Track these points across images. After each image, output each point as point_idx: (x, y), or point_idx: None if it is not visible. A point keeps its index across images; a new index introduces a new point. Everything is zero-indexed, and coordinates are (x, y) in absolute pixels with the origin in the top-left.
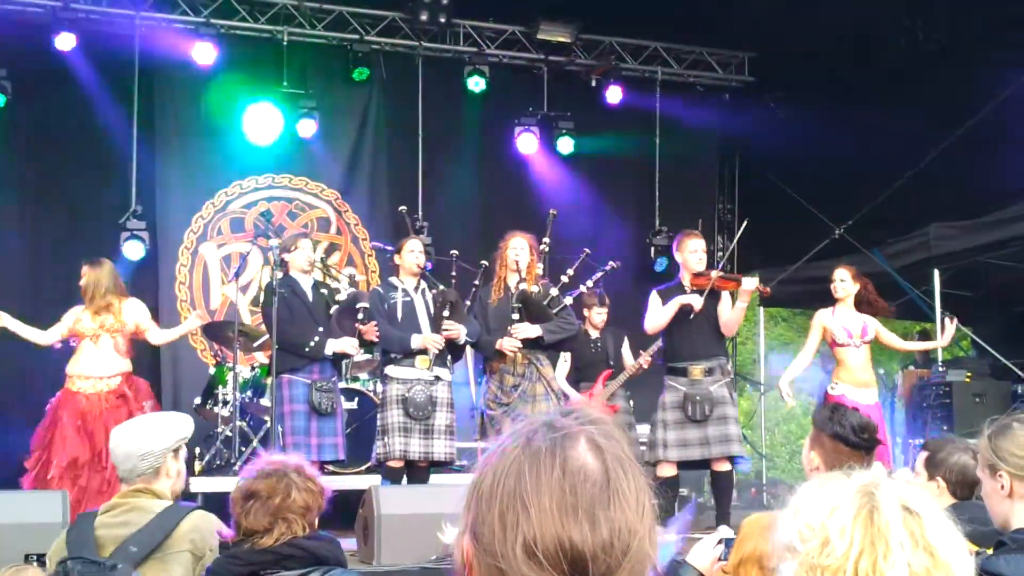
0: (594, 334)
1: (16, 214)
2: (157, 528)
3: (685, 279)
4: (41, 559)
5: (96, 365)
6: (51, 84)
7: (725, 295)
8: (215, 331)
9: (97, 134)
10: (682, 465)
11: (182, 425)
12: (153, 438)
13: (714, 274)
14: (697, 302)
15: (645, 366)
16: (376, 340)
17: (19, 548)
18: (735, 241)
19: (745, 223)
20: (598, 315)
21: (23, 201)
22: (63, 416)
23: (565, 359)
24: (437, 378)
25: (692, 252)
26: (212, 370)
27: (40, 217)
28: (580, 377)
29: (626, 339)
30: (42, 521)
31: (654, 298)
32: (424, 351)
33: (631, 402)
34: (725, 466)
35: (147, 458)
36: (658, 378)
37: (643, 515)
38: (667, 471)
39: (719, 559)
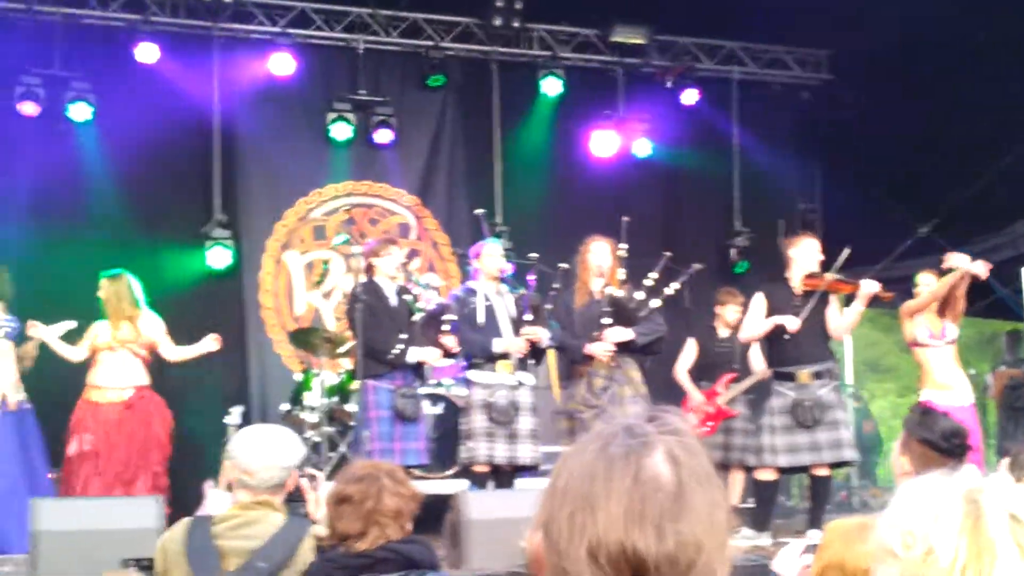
0: (724, 333)
1: (100, 225)
2: (283, 543)
3: (795, 278)
4: (140, 563)
5: (112, 376)
6: (133, 96)
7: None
8: (301, 338)
9: (179, 144)
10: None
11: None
12: (289, 451)
13: (829, 276)
14: (794, 325)
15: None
16: (456, 352)
17: (116, 553)
18: (835, 270)
19: (846, 253)
20: (732, 313)
21: (107, 212)
22: (83, 424)
23: (688, 356)
24: (520, 382)
25: (806, 252)
26: (299, 376)
27: (124, 228)
28: (702, 375)
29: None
30: (138, 527)
31: (758, 299)
32: (506, 355)
33: (751, 409)
34: (826, 471)
35: (286, 470)
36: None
37: (714, 531)
38: (767, 475)
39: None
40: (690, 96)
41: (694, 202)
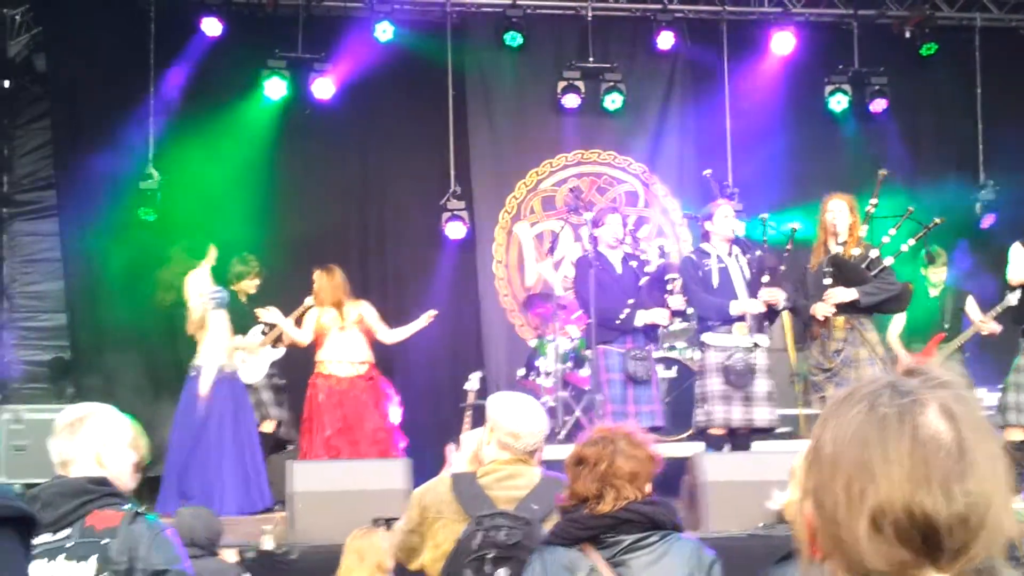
0: (933, 292)
1: (342, 200)
2: (546, 494)
3: None
4: (389, 522)
5: (345, 351)
6: (371, 74)
7: None
8: (533, 305)
9: (415, 119)
10: None
11: None
12: (545, 421)
13: None
14: None
15: (985, 331)
16: (682, 309)
17: (367, 513)
18: None
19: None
20: (936, 273)
21: (349, 187)
22: (318, 396)
23: (897, 320)
24: (756, 345)
25: None
26: (532, 343)
27: (366, 201)
28: (911, 338)
29: (970, 298)
30: (387, 487)
31: (1018, 249)
32: (742, 317)
33: (966, 367)
34: None
35: (543, 436)
36: (1007, 340)
37: (999, 485)
38: (1016, 435)
39: None
40: (929, 48)
41: (935, 156)
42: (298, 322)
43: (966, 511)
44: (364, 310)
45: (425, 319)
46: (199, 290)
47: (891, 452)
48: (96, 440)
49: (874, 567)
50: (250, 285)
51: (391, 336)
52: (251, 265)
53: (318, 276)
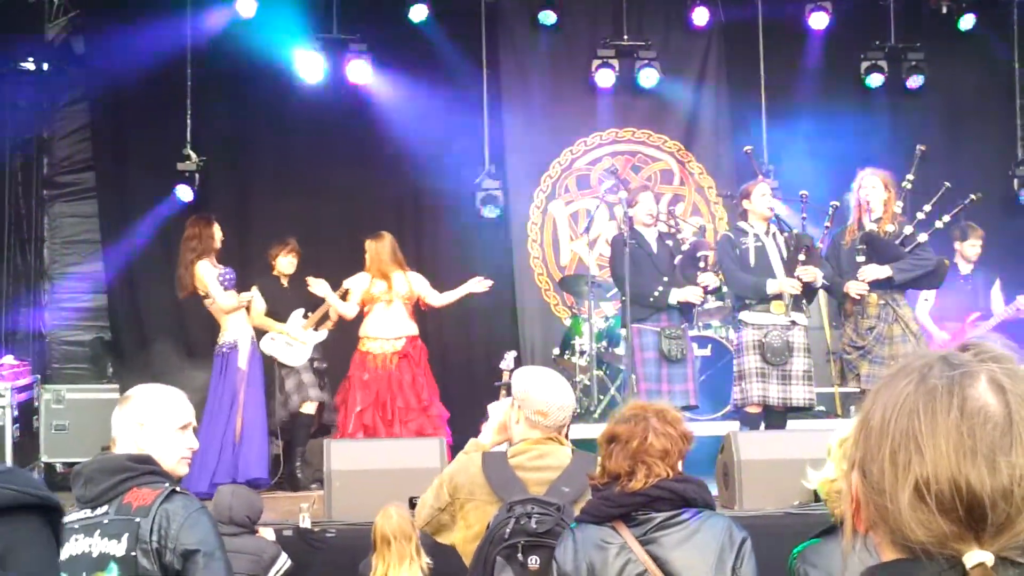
0: (965, 269)
1: (376, 180)
2: (578, 474)
3: None
4: (412, 502)
5: (386, 327)
6: (405, 53)
7: None
8: (568, 285)
9: (450, 100)
10: None
11: None
12: (572, 395)
13: None
14: None
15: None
16: (716, 288)
17: (403, 491)
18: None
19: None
20: (971, 248)
21: (384, 167)
22: (354, 371)
23: (926, 297)
24: (793, 323)
25: None
26: (568, 322)
27: (400, 181)
28: (943, 315)
29: (997, 281)
30: (422, 466)
31: None
32: (779, 296)
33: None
34: None
35: (572, 411)
36: None
37: None
38: None
39: None
40: (967, 20)
41: (972, 132)
42: (344, 298)
43: (1010, 484)
44: (414, 280)
45: (476, 284)
46: (207, 275)
47: (938, 423)
48: (138, 418)
49: (916, 538)
50: (287, 263)
51: (441, 299)
52: (285, 242)
53: (369, 245)
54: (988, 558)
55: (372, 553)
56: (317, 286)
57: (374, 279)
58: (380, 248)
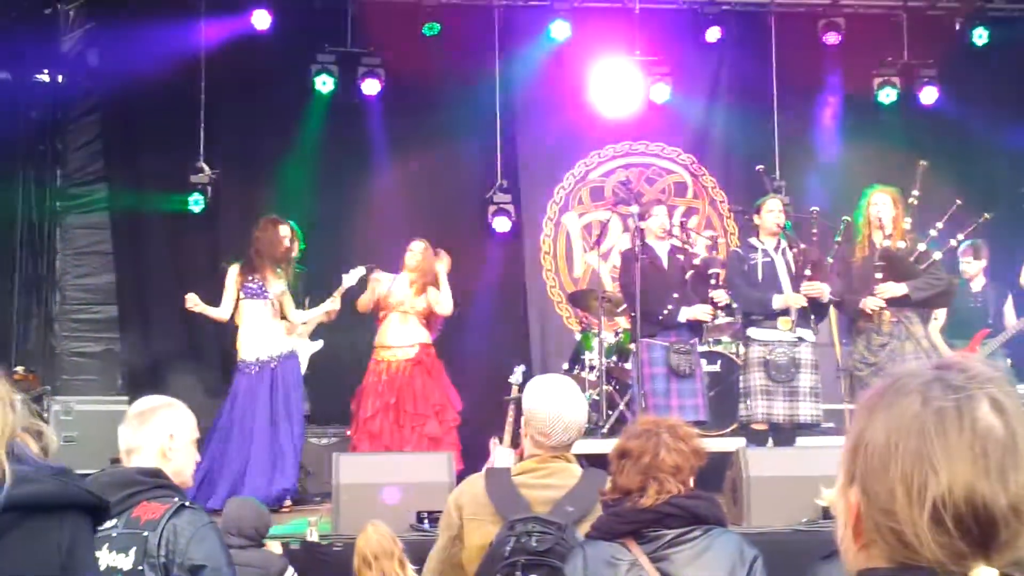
0: (975, 287)
1: (389, 192)
2: (586, 492)
3: None
4: (432, 516)
5: (401, 336)
6: (419, 69)
7: None
8: (579, 299)
9: (462, 113)
10: None
11: None
12: (583, 411)
13: None
14: None
15: None
16: (726, 305)
17: (411, 505)
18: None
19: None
20: (974, 267)
21: (396, 180)
22: (367, 380)
23: (936, 316)
24: (800, 339)
25: None
26: (578, 336)
27: (413, 194)
28: (954, 333)
29: (1010, 297)
30: (431, 480)
31: None
32: (786, 312)
33: (1009, 361)
34: None
35: (582, 428)
36: None
37: None
38: None
39: None
40: (981, 35)
41: (987, 148)
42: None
43: (1016, 501)
44: (432, 298)
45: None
46: (232, 283)
47: (951, 443)
48: (163, 432)
49: (933, 558)
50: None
51: (442, 308)
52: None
53: (417, 249)
54: (994, 575)
55: None
56: (350, 276)
57: (397, 283)
58: (425, 256)
